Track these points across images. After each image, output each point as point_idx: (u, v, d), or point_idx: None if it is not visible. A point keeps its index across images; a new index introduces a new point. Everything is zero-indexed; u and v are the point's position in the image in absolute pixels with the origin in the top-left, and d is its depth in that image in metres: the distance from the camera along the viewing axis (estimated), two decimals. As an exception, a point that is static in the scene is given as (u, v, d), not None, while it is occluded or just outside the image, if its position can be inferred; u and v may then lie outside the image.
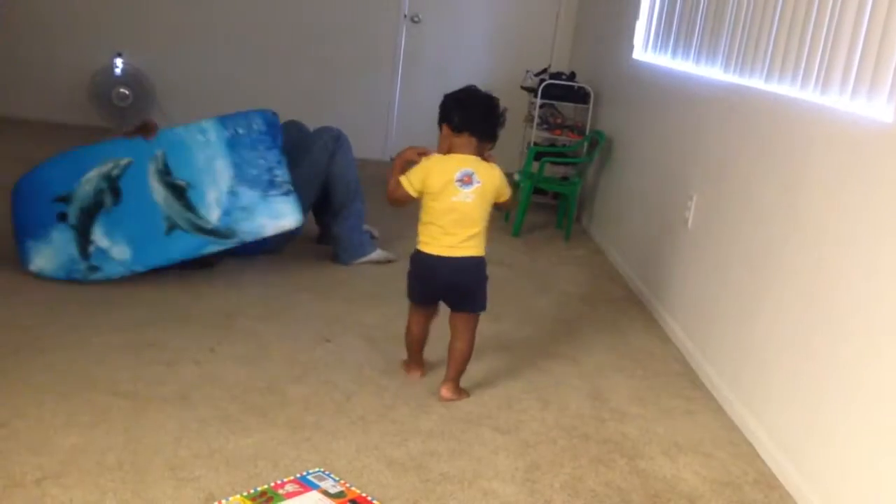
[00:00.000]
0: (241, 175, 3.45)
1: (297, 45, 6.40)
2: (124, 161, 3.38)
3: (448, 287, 2.77)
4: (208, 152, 3.44)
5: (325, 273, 3.88)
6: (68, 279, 3.30)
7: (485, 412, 2.75)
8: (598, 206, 5.16)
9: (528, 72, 5.93)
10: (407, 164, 2.74)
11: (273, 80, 6.40)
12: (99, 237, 3.34)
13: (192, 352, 2.90)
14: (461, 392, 2.83)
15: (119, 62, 5.92)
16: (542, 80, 5.61)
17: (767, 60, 3.02)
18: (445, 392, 2.80)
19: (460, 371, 2.82)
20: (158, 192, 3.38)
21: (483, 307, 2.82)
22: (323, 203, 4.04)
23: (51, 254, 3.29)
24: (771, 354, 2.73)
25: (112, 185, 3.36)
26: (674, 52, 4.14)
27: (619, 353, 3.38)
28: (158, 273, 3.47)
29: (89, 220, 3.33)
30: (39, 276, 3.30)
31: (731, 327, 3.06)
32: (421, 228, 2.75)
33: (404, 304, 3.53)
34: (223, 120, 3.51)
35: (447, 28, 6.53)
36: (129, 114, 6.00)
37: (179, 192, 3.39)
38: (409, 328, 2.91)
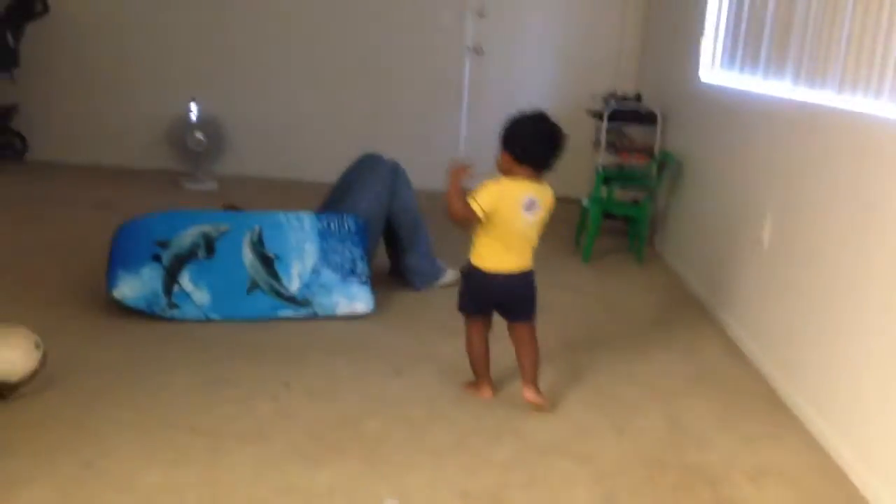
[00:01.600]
0: (325, 259, 3.70)
1: (363, 80, 6.51)
2: (224, 227, 3.65)
3: (509, 299, 2.90)
4: (300, 235, 3.71)
5: (396, 305, 3.90)
6: (147, 311, 3.43)
7: (559, 441, 2.71)
8: (670, 229, 5.07)
9: (594, 96, 5.91)
10: (461, 187, 2.79)
11: (341, 117, 6.52)
12: (185, 281, 3.51)
13: (266, 388, 2.95)
14: (542, 394, 2.90)
15: (194, 107, 6.11)
16: (607, 104, 5.57)
17: (839, 72, 2.94)
18: (530, 395, 2.88)
19: (537, 373, 2.93)
20: (248, 257, 3.62)
21: (535, 313, 2.98)
22: (390, 236, 4.09)
23: (137, 285, 3.45)
24: (859, 374, 2.62)
25: (208, 243, 3.59)
26: (741, 69, 4.07)
27: (696, 377, 3.30)
28: (234, 311, 3.55)
29: (180, 265, 3.53)
30: (120, 304, 3.42)
31: (814, 348, 2.96)
32: (481, 245, 2.83)
33: (475, 335, 3.55)
34: (319, 215, 3.83)
35: (510, 58, 6.55)
36: (204, 158, 6.18)
37: (267, 262, 3.63)
38: (472, 344, 2.99)
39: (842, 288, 2.78)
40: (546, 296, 4.17)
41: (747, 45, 4.00)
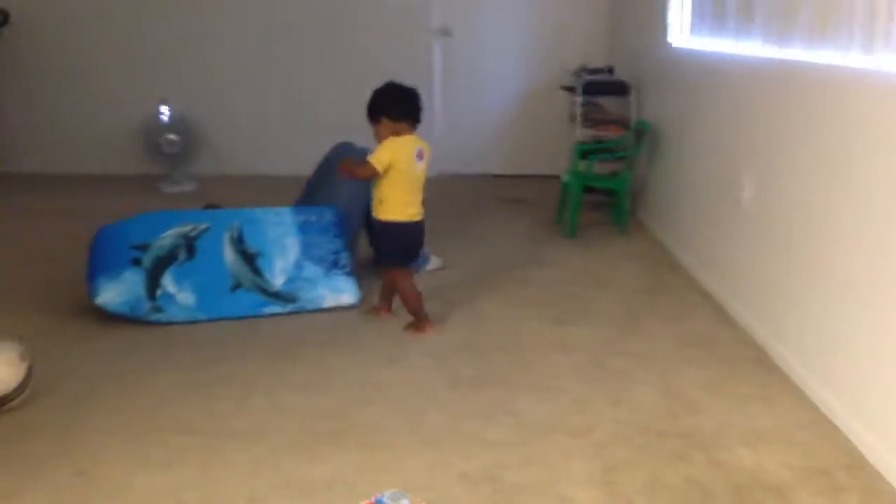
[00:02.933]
0: (307, 252, 3.69)
1: (331, 70, 6.45)
2: (203, 226, 3.62)
3: (420, 243, 3.42)
4: (280, 230, 3.70)
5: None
6: (132, 315, 3.40)
7: (555, 417, 2.71)
8: (652, 198, 5.07)
9: (565, 69, 5.89)
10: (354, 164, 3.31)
11: (313, 108, 6.46)
12: (168, 283, 3.48)
13: (258, 384, 2.93)
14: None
15: (165, 109, 6.04)
16: (580, 78, 5.56)
17: (807, 28, 2.93)
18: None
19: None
20: (230, 255, 3.60)
21: None
22: (371, 225, 4.06)
23: (119, 290, 3.42)
24: (847, 328, 2.64)
25: (188, 243, 3.56)
26: (711, 33, 4.06)
27: (686, 344, 3.31)
28: (220, 310, 3.53)
29: (162, 268, 3.50)
30: (104, 309, 3.39)
31: (801, 305, 2.97)
32: (392, 201, 3.26)
33: (464, 320, 3.56)
34: (297, 209, 3.84)
35: (479, 38, 6.52)
36: (180, 159, 6.12)
37: (249, 258, 3.62)
38: (412, 290, 3.39)
39: (824, 241, 2.79)
40: (532, 272, 4.21)
41: (715, 7, 3.98)
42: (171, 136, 6.04)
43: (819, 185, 2.83)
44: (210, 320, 3.47)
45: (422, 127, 6.96)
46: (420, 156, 3.29)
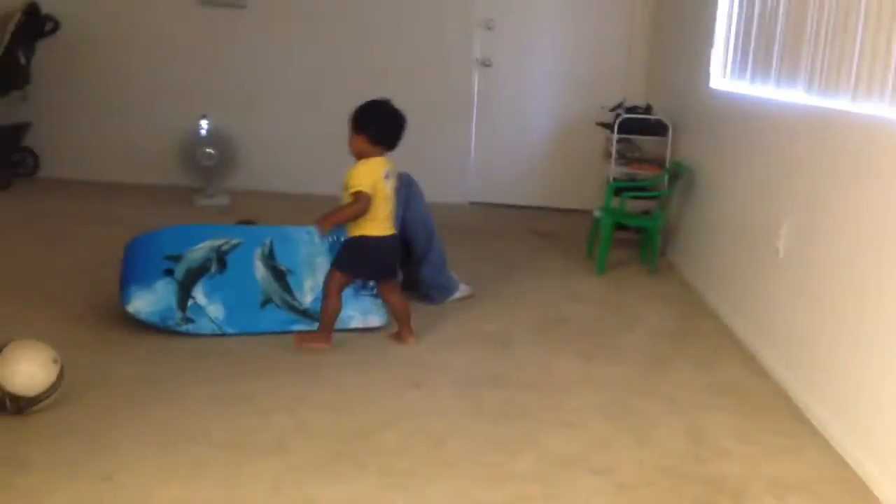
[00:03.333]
0: None
1: (373, 94, 6.48)
2: (235, 241, 3.66)
3: (392, 259, 3.52)
4: (311, 249, 3.72)
5: (411, 318, 3.89)
6: (161, 325, 3.42)
7: (579, 453, 2.69)
8: (684, 239, 5.05)
9: (602, 107, 5.91)
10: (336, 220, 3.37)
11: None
12: (199, 295, 3.52)
13: (283, 401, 2.94)
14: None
15: (204, 124, 6.13)
16: (617, 115, 5.57)
17: (853, 79, 2.93)
18: (412, 339, 3.54)
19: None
20: (260, 270, 3.64)
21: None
22: (404, 250, 4.08)
23: (151, 299, 3.45)
24: (881, 385, 2.60)
25: (220, 257, 3.60)
26: (752, 77, 4.07)
27: (715, 389, 3.27)
28: (249, 325, 3.55)
29: (193, 279, 3.53)
30: (135, 317, 3.42)
31: (835, 358, 2.93)
32: (364, 218, 3.32)
33: (490, 349, 3.55)
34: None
35: (519, 70, 6.56)
36: (215, 173, 6.20)
37: (279, 275, 3.65)
38: (336, 301, 3.41)
39: (861, 296, 2.76)
40: (561, 307, 4.20)
41: (758, 52, 3.99)
42: (209, 150, 6.11)
43: (858, 238, 2.81)
44: (239, 334, 3.49)
45: (456, 154, 7.03)
46: (388, 177, 3.38)
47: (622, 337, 3.83)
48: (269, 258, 3.65)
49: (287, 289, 3.62)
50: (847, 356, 2.83)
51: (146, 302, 3.43)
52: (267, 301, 3.60)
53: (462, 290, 4.17)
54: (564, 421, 2.91)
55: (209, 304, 3.51)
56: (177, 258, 3.55)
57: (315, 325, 3.57)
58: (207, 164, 6.14)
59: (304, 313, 3.61)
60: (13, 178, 6.16)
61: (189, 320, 3.47)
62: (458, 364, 3.38)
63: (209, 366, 3.21)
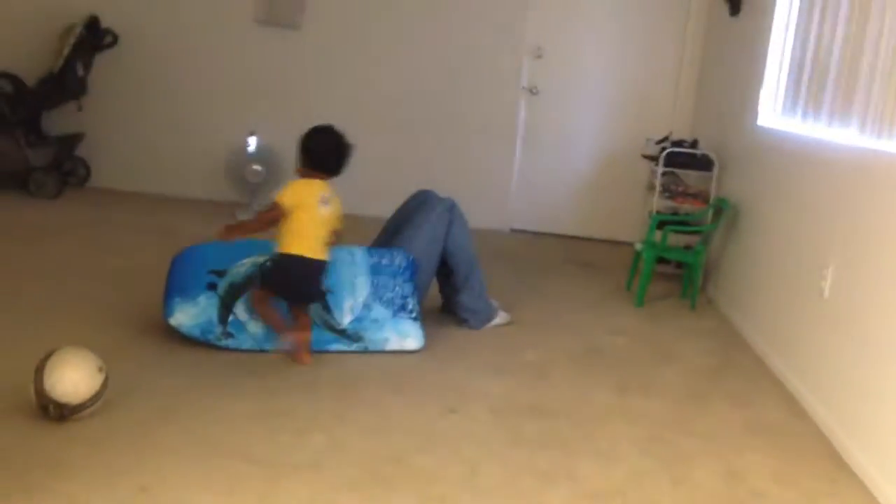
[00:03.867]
0: (377, 294, 3.74)
1: (419, 118, 6.58)
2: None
3: (317, 281, 3.48)
4: (352, 269, 3.74)
5: (448, 342, 3.90)
6: (202, 339, 3.48)
7: (614, 487, 2.67)
8: (725, 276, 5.01)
9: (648, 139, 5.89)
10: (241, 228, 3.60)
11: (397, 153, 6.58)
12: (240, 311, 3.56)
13: (319, 420, 2.96)
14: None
15: (252, 140, 6.22)
16: (663, 148, 5.55)
17: (907, 123, 2.90)
18: (309, 358, 3.46)
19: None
20: None
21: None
22: (444, 274, 4.10)
23: (194, 313, 3.50)
24: (924, 434, 2.55)
25: (263, 273, 3.60)
26: (803, 116, 4.04)
27: (753, 430, 3.23)
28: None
29: (235, 295, 3.58)
30: (176, 330, 3.47)
31: (877, 404, 2.88)
32: (295, 237, 3.37)
33: (528, 378, 3.55)
34: (370, 249, 3.88)
35: (565, 99, 6.58)
36: (261, 189, 6.28)
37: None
38: (268, 312, 3.44)
39: (909, 343, 2.72)
40: (599, 339, 4.18)
41: (810, 90, 3.96)
42: (256, 167, 6.20)
43: (907, 281, 2.77)
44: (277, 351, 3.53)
45: (499, 181, 7.04)
46: (325, 202, 3.42)
47: (659, 371, 3.81)
48: None
49: (326, 308, 3.64)
50: (891, 401, 2.78)
51: (188, 315, 3.49)
52: None
53: (501, 316, 4.18)
54: (600, 453, 2.90)
55: (249, 321, 3.55)
56: (221, 273, 3.59)
57: (353, 346, 3.60)
58: (253, 180, 6.22)
59: (342, 333, 3.63)
60: (65, 187, 6.30)
61: (229, 335, 3.51)
62: (495, 391, 3.38)
63: (250, 381, 3.24)
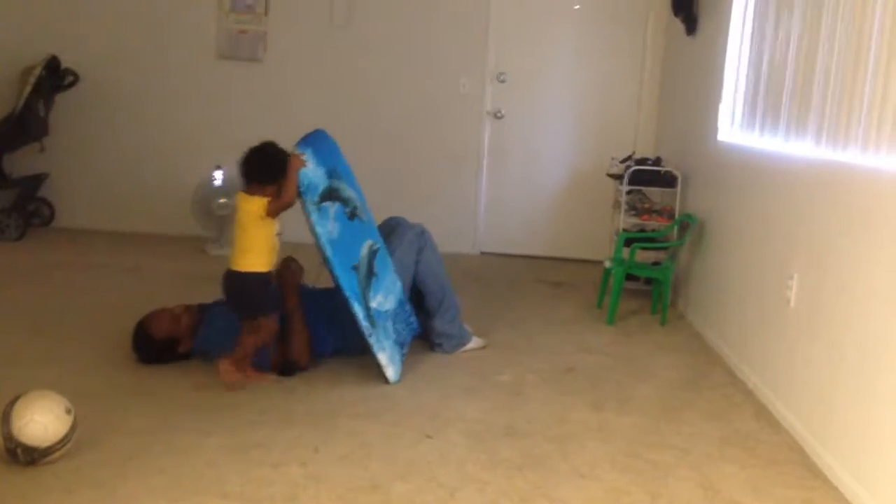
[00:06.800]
0: (396, 316, 3.81)
1: (383, 146, 6.61)
2: (362, 215, 3.93)
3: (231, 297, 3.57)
4: (393, 278, 3.87)
5: (422, 368, 3.90)
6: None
7: (592, 506, 2.68)
8: (694, 290, 5.06)
9: (613, 159, 5.96)
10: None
11: (362, 180, 6.43)
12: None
13: (296, 452, 2.94)
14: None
15: (219, 174, 6.20)
16: (627, 167, 5.62)
17: (861, 132, 2.97)
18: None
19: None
20: (363, 252, 3.75)
21: None
22: (417, 300, 4.10)
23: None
24: (895, 437, 2.59)
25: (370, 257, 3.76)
26: (761, 131, 4.11)
27: (728, 442, 3.26)
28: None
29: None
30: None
31: (848, 410, 2.92)
32: (263, 252, 3.52)
33: (503, 396, 3.56)
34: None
35: (530, 122, 6.65)
36: (228, 223, 6.25)
37: (370, 271, 3.73)
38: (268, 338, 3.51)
39: (874, 348, 2.76)
40: (572, 358, 4.20)
41: (767, 105, 4.04)
42: (223, 201, 6.17)
43: (868, 288, 2.82)
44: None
45: (467, 205, 7.08)
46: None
47: (633, 387, 3.83)
48: (373, 256, 3.75)
49: (368, 283, 3.67)
50: (861, 408, 2.83)
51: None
52: (354, 269, 3.65)
53: (475, 342, 4.18)
54: (578, 472, 2.90)
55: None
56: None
57: (364, 323, 3.56)
58: (220, 213, 6.20)
59: (367, 310, 3.61)
60: (28, 228, 6.24)
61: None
62: (470, 414, 3.38)
63: (223, 415, 3.21)
